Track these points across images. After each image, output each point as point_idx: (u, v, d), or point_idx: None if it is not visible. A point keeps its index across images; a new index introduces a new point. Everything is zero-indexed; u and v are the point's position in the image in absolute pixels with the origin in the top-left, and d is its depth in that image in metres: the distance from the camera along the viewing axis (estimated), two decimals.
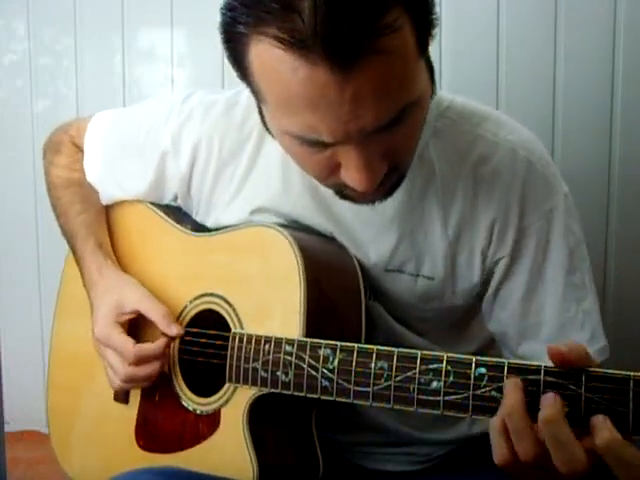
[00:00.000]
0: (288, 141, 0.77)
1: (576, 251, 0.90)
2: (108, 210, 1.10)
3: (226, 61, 0.75)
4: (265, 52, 0.68)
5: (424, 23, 0.72)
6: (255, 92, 0.76)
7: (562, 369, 0.65)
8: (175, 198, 1.03)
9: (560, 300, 0.89)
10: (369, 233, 0.91)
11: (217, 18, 0.73)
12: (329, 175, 0.78)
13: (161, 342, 0.93)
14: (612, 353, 1.54)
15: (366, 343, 0.78)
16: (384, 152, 0.74)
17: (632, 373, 0.62)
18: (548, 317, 0.90)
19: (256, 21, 0.67)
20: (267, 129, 0.83)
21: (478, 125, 0.90)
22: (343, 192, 0.81)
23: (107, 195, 1.08)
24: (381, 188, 0.79)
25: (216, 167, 0.97)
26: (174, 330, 0.92)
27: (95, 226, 1.06)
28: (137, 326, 0.98)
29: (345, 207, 0.89)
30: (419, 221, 0.90)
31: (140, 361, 0.93)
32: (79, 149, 1.10)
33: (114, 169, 1.06)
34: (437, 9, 0.74)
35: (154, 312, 0.94)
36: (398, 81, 0.69)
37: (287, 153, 0.81)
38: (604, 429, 0.61)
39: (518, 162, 0.89)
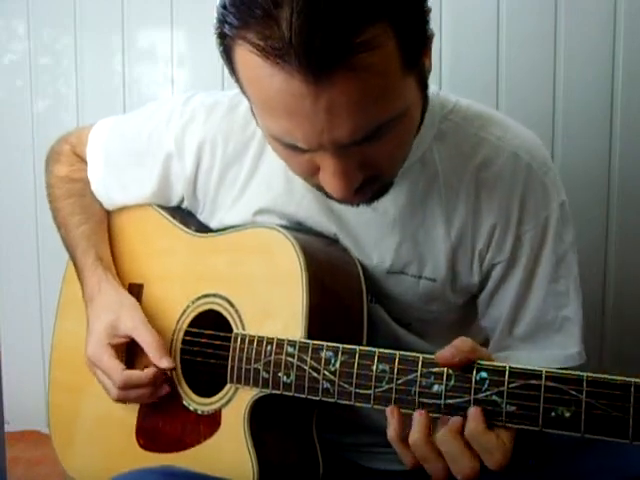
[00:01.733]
0: (272, 141, 0.78)
1: (564, 260, 0.91)
2: (113, 211, 1.10)
3: None
4: (246, 56, 0.68)
5: (413, 40, 0.70)
6: (242, 89, 0.76)
7: (563, 374, 0.66)
8: (182, 200, 1.03)
9: (540, 305, 0.91)
10: (371, 235, 0.91)
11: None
12: (310, 176, 0.79)
13: (150, 371, 0.93)
14: (612, 353, 1.55)
15: (367, 345, 0.78)
16: (361, 163, 0.74)
17: (633, 380, 0.62)
18: (527, 317, 0.92)
19: (240, 24, 0.67)
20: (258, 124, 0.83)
21: (482, 128, 0.90)
22: (326, 192, 0.81)
23: (112, 202, 1.08)
24: (361, 194, 0.79)
25: (220, 168, 0.97)
26: (165, 363, 0.92)
27: (95, 238, 1.05)
28: (135, 344, 0.97)
29: (347, 208, 0.89)
30: (421, 223, 0.90)
31: (128, 387, 0.93)
32: (80, 158, 1.10)
33: (118, 176, 1.05)
34: (435, 18, 0.72)
35: (147, 343, 0.94)
36: (374, 98, 0.68)
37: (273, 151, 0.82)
38: (471, 420, 0.67)
39: (520, 167, 0.89)
